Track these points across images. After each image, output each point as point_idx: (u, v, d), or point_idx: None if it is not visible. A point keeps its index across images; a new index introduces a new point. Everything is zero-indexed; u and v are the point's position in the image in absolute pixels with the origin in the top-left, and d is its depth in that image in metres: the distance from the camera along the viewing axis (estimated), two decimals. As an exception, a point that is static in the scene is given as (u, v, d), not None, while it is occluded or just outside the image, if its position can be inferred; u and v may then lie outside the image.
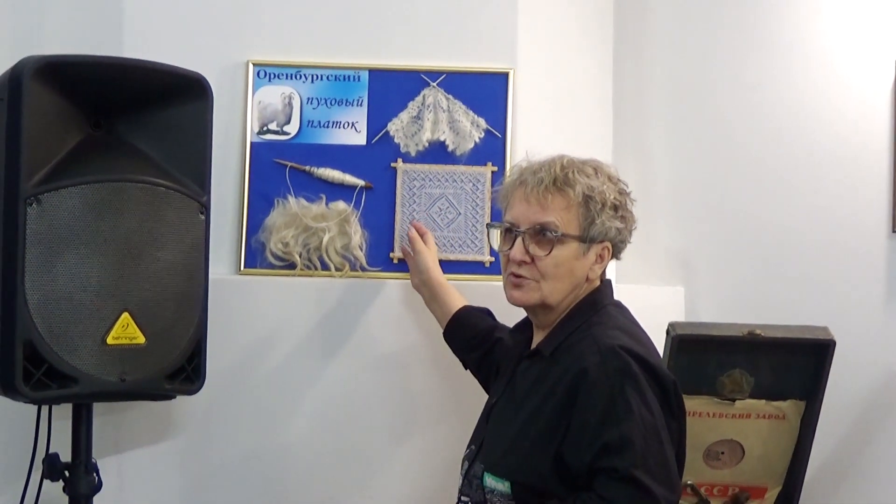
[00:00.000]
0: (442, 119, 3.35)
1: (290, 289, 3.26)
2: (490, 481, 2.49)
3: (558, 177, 2.54)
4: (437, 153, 3.35)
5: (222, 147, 3.16)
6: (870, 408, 3.57)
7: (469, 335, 3.01)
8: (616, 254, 2.63)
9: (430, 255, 3.18)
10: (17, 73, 2.59)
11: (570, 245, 2.54)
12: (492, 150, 3.35)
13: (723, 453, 3.34)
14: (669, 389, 2.43)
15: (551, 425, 2.41)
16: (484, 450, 2.57)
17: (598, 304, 2.58)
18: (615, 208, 2.57)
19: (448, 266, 3.30)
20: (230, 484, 3.24)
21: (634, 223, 2.64)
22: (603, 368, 2.37)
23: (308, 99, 3.36)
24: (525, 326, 2.72)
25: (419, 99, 3.36)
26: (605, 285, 2.64)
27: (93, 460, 2.89)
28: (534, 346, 2.63)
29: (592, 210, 2.54)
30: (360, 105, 3.37)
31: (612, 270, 2.95)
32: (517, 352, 2.70)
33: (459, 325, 3.04)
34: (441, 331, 3.11)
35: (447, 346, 3.12)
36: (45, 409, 2.93)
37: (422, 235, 3.22)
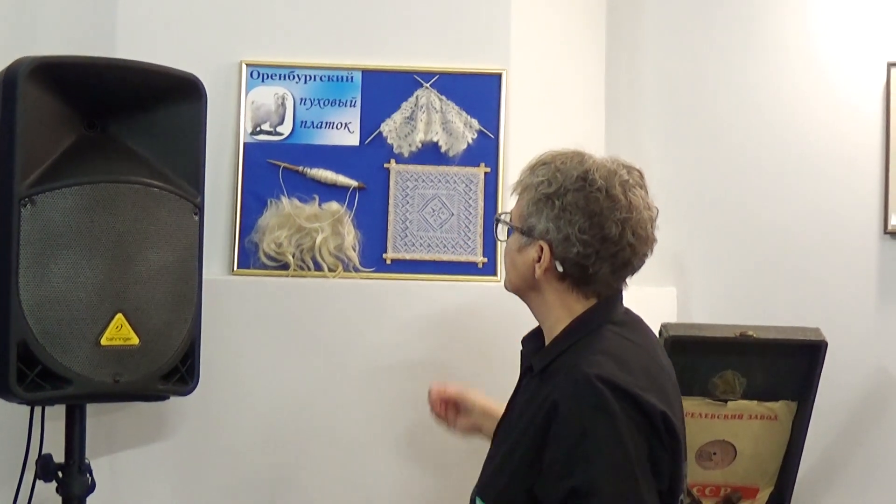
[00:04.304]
0: (435, 120, 3.35)
1: (283, 289, 3.25)
2: None
3: (525, 168, 2.48)
4: (430, 154, 3.35)
5: (215, 147, 3.15)
6: (861, 408, 3.58)
7: None
8: (564, 263, 2.36)
9: (471, 391, 2.88)
10: (11, 74, 2.59)
11: (515, 235, 2.46)
12: (485, 150, 3.35)
13: (715, 454, 3.35)
14: (656, 419, 2.23)
15: (526, 460, 2.28)
16: (482, 472, 2.49)
17: (591, 323, 2.38)
18: (548, 202, 2.36)
19: (441, 267, 3.32)
20: (223, 485, 3.23)
21: (600, 233, 2.33)
22: (575, 402, 2.21)
23: (301, 99, 3.37)
24: (537, 334, 2.54)
25: (412, 100, 3.36)
26: (609, 302, 2.42)
27: (86, 461, 2.89)
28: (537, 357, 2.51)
29: (528, 202, 2.41)
30: (354, 106, 3.37)
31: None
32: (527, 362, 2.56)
33: None
34: (437, 332, 3.11)
35: (441, 346, 3.12)
36: (38, 409, 2.92)
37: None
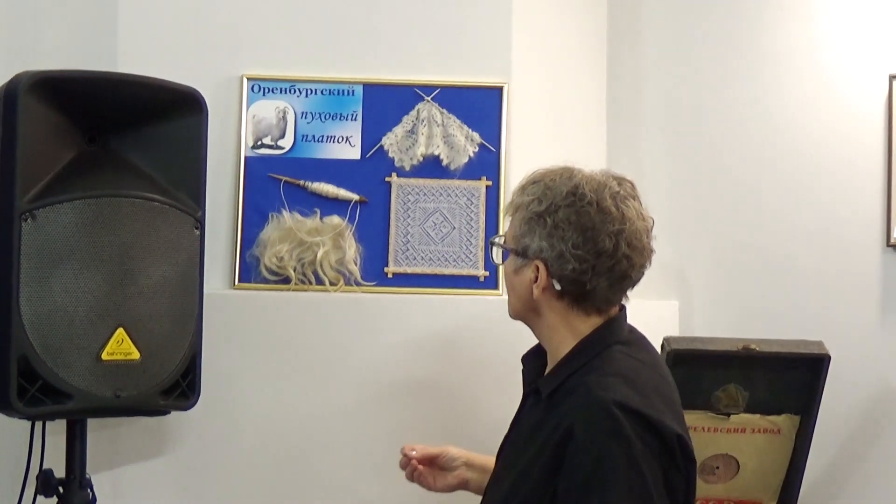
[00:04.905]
0: (436, 133, 3.35)
1: (284, 303, 3.25)
2: None
3: (516, 188, 2.46)
4: (431, 167, 3.35)
5: (216, 161, 3.15)
6: (864, 422, 3.57)
7: None
8: (561, 281, 2.33)
9: (450, 446, 2.80)
10: (12, 88, 2.59)
11: (510, 257, 2.43)
12: (486, 164, 3.35)
13: (718, 468, 3.34)
14: (672, 443, 2.23)
15: (540, 486, 2.25)
16: (486, 496, 2.48)
17: (599, 343, 2.34)
18: (539, 220, 2.34)
19: (442, 281, 3.31)
20: (224, 499, 3.22)
21: (594, 247, 2.31)
22: (590, 428, 2.18)
23: (302, 113, 3.36)
24: (538, 352, 2.52)
25: (413, 113, 3.36)
26: (615, 321, 2.39)
27: (87, 476, 2.88)
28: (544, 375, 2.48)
29: (520, 222, 2.39)
30: (355, 119, 3.37)
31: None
32: (530, 380, 2.52)
33: None
34: (438, 346, 3.11)
35: (443, 360, 3.12)
36: (38, 424, 2.91)
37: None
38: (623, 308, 2.44)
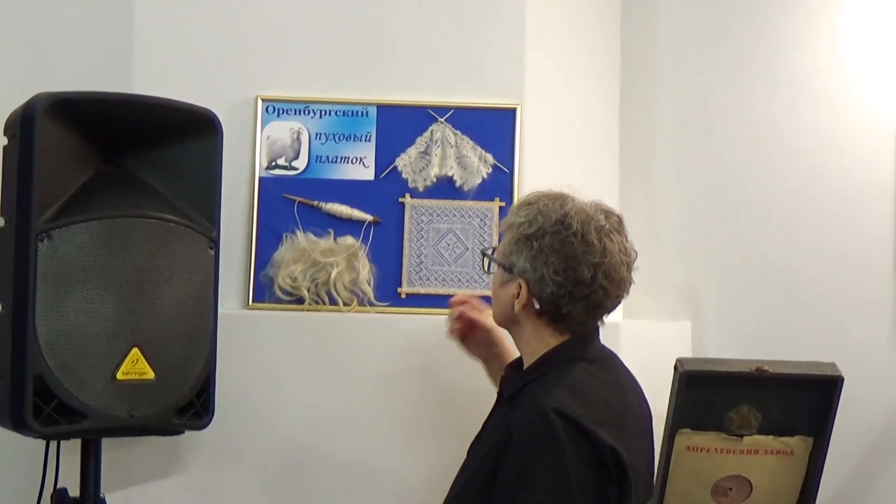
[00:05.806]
0: (450, 154, 3.36)
1: (298, 323, 3.26)
2: None
3: (513, 206, 2.60)
4: (444, 188, 3.37)
5: (231, 182, 3.16)
6: (877, 444, 3.56)
7: None
8: (540, 301, 2.49)
9: (490, 327, 2.92)
10: (29, 109, 2.61)
11: (498, 270, 2.59)
12: (499, 185, 3.37)
13: (731, 489, 3.32)
14: (605, 454, 2.34)
15: (485, 484, 2.38)
16: (451, 487, 2.57)
17: (561, 357, 2.50)
18: (527, 242, 2.48)
19: (455, 301, 3.32)
20: (238, 519, 3.24)
21: (573, 275, 2.46)
22: (526, 431, 2.34)
23: (316, 134, 3.38)
24: (520, 361, 2.65)
25: (427, 134, 3.37)
26: (582, 339, 2.54)
27: (101, 495, 2.89)
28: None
29: (511, 240, 2.54)
30: (369, 140, 3.38)
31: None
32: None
33: None
34: (451, 366, 3.13)
35: (456, 380, 3.13)
36: (53, 443, 2.93)
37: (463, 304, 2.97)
38: (597, 329, 2.58)
